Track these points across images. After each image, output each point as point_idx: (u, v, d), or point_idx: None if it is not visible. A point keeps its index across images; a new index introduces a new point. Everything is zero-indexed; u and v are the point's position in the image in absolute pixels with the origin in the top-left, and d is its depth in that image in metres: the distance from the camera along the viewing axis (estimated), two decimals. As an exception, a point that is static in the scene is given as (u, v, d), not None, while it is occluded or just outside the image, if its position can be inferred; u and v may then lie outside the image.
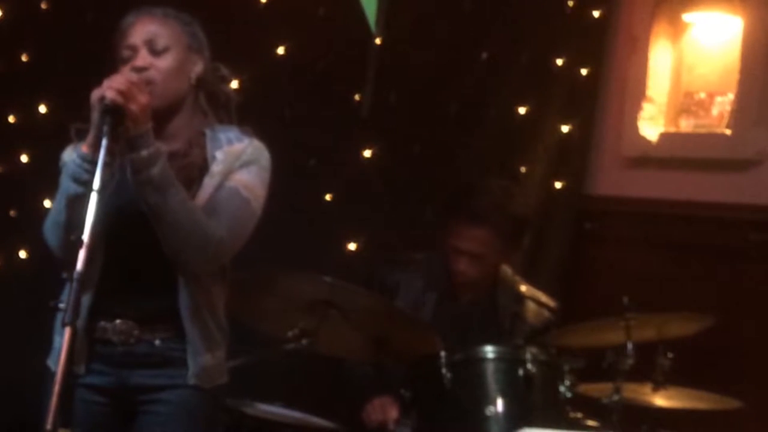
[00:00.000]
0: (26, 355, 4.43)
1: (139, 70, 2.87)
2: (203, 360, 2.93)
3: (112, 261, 2.89)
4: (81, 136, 2.86)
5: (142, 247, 2.85)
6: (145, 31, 2.92)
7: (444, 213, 4.17)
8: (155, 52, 2.90)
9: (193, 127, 2.97)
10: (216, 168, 2.91)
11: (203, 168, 2.92)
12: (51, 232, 2.87)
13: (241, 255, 3.08)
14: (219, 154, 2.92)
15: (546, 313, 4.16)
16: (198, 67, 2.97)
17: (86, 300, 2.89)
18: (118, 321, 2.90)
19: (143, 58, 2.89)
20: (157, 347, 2.91)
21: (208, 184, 2.89)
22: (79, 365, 2.91)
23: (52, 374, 2.86)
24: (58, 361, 2.88)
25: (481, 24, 4.84)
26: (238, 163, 2.92)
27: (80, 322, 2.87)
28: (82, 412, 2.92)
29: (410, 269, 4.18)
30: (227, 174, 2.91)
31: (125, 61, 2.91)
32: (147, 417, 2.94)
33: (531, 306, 4.15)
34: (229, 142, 2.95)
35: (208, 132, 2.96)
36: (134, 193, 2.81)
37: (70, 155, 2.93)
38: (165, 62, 2.90)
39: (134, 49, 2.91)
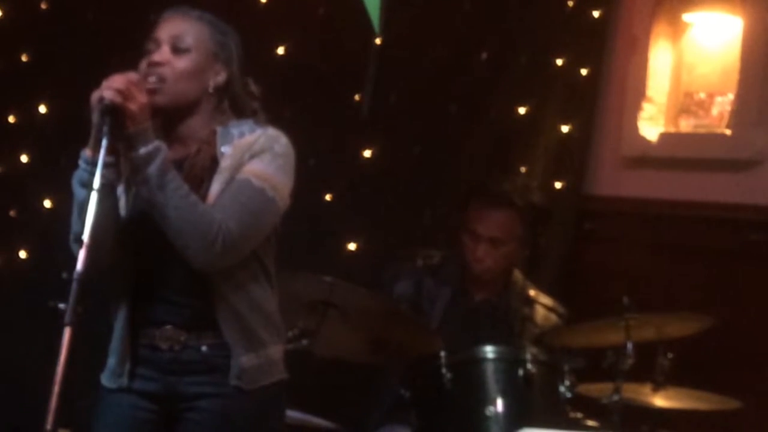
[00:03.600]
0: (26, 354, 4.46)
1: (155, 65, 2.85)
2: (242, 360, 2.87)
3: (146, 266, 2.88)
4: None
5: (172, 250, 2.81)
6: (173, 27, 2.90)
7: (464, 199, 4.18)
8: (176, 50, 2.86)
9: (210, 125, 2.92)
10: (224, 164, 2.86)
11: (212, 166, 2.87)
12: (73, 243, 2.83)
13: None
14: (227, 150, 2.87)
15: (554, 318, 4.17)
16: (220, 77, 2.91)
17: (124, 307, 2.90)
18: (167, 327, 2.87)
19: (162, 54, 2.86)
20: (204, 353, 2.88)
21: (218, 181, 2.85)
22: (121, 377, 2.91)
23: (106, 390, 2.93)
24: (106, 375, 2.94)
25: (481, 24, 4.84)
26: (248, 155, 2.86)
27: (122, 331, 2.91)
28: (129, 417, 2.92)
29: (409, 264, 4.20)
30: (238, 168, 2.85)
31: (148, 53, 2.89)
32: (186, 425, 2.91)
33: (540, 310, 4.17)
34: (241, 135, 2.89)
35: (219, 129, 2.91)
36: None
37: None
38: (182, 62, 2.86)
39: (158, 44, 2.88)
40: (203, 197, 2.83)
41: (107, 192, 2.73)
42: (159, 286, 2.88)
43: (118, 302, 2.92)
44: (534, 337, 4.08)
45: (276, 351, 2.97)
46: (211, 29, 2.93)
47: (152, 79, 2.82)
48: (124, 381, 2.91)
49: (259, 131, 2.91)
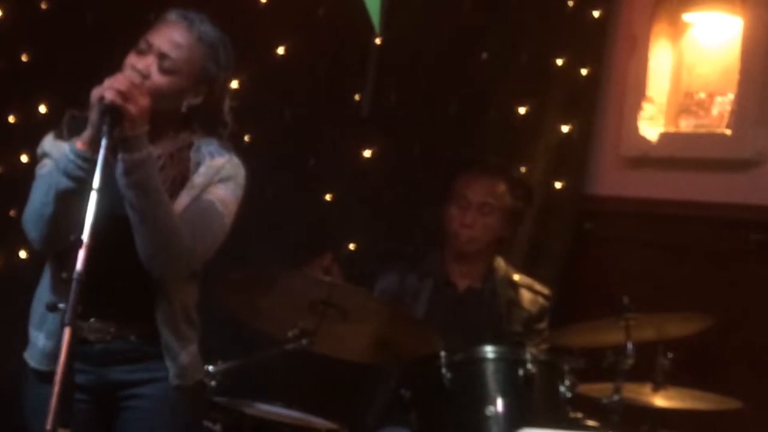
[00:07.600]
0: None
1: (138, 72, 2.86)
2: (181, 359, 2.98)
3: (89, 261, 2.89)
4: (71, 127, 2.85)
5: (119, 248, 2.84)
6: (168, 40, 2.89)
7: (454, 168, 4.26)
8: (162, 68, 2.88)
9: (177, 138, 2.98)
10: (197, 180, 2.94)
11: (184, 179, 2.94)
12: (33, 224, 2.87)
13: (242, 255, 3.08)
14: (202, 168, 2.95)
15: (541, 300, 4.22)
16: (197, 99, 2.96)
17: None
18: (92, 319, 2.91)
19: (148, 64, 2.87)
20: (133, 342, 2.95)
21: (186, 194, 2.92)
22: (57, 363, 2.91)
23: (32, 370, 2.95)
24: (37, 357, 2.96)
25: (481, 24, 4.84)
26: (217, 177, 2.96)
27: (56, 321, 2.90)
28: None
29: (391, 260, 4.22)
30: (206, 187, 2.94)
31: (138, 49, 2.90)
32: (129, 413, 2.98)
33: (525, 293, 4.21)
34: (211, 155, 2.97)
35: (195, 143, 2.99)
36: (116, 195, 2.80)
37: (52, 144, 2.94)
38: (163, 82, 2.88)
39: (149, 48, 2.89)
40: None
41: (83, 185, 2.70)
42: (101, 277, 2.79)
43: (56, 289, 2.93)
44: (522, 321, 4.11)
45: (196, 347, 3.06)
46: (206, 56, 2.94)
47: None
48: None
49: (226, 156, 3.00)
